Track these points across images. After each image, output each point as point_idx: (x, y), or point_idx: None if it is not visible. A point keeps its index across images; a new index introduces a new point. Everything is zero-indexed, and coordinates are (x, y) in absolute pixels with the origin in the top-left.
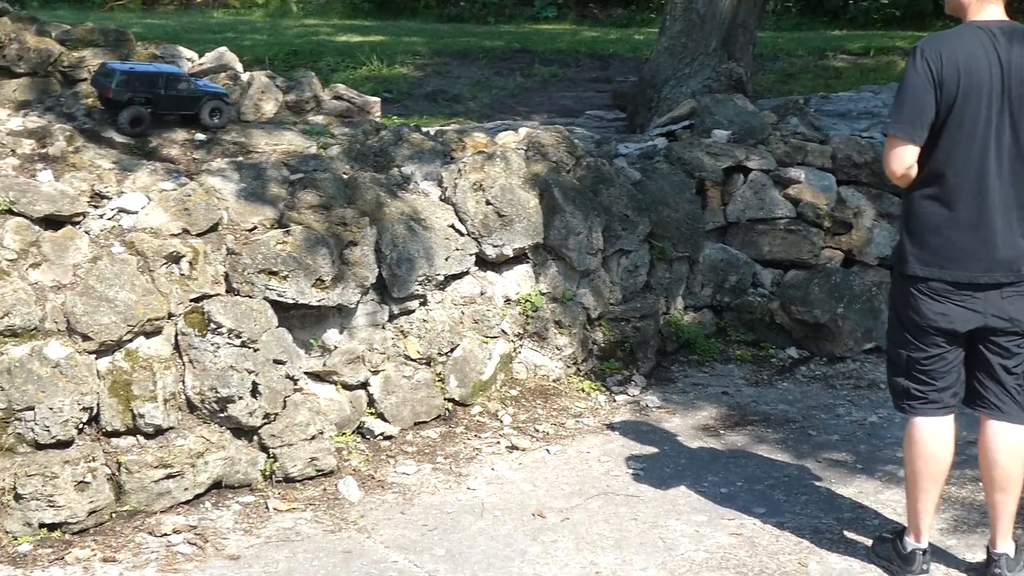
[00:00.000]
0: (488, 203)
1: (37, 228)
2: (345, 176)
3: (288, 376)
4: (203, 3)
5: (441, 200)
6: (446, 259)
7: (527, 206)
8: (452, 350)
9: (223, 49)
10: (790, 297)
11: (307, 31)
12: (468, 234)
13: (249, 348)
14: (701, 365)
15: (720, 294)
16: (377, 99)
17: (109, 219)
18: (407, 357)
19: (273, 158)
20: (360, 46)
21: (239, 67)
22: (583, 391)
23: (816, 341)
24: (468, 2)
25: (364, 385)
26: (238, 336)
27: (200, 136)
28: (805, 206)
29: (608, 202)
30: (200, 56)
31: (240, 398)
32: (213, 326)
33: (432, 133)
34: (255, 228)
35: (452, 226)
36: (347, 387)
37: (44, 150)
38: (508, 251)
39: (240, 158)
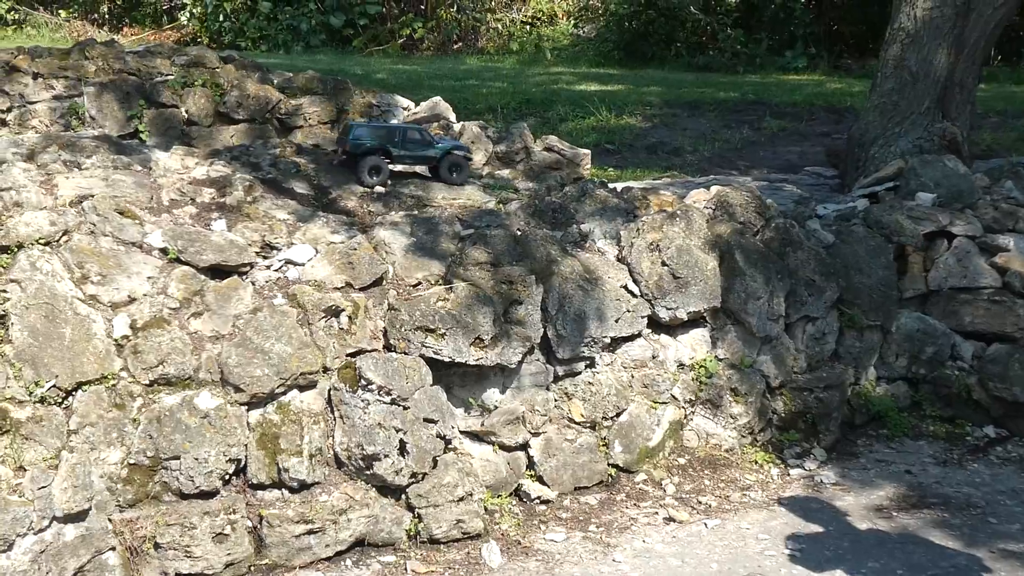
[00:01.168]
0: (664, 264)
1: (203, 277)
2: (518, 232)
3: (439, 435)
4: (459, 50)
5: (617, 260)
6: (616, 320)
7: (704, 268)
8: (618, 414)
9: (437, 99)
10: (990, 372)
11: (549, 79)
12: (641, 295)
13: (399, 405)
14: (890, 440)
15: (915, 366)
16: (587, 152)
17: (275, 270)
18: (571, 420)
19: (448, 212)
20: (594, 95)
21: (452, 116)
22: (756, 463)
23: (1016, 420)
24: (718, 52)
25: (524, 447)
26: (388, 393)
27: (379, 188)
28: (1013, 276)
29: (795, 266)
30: (416, 105)
31: (386, 456)
32: (364, 382)
33: (619, 190)
34: (419, 284)
35: (625, 287)
36: (505, 448)
37: (223, 199)
38: (682, 314)
39: (415, 212)
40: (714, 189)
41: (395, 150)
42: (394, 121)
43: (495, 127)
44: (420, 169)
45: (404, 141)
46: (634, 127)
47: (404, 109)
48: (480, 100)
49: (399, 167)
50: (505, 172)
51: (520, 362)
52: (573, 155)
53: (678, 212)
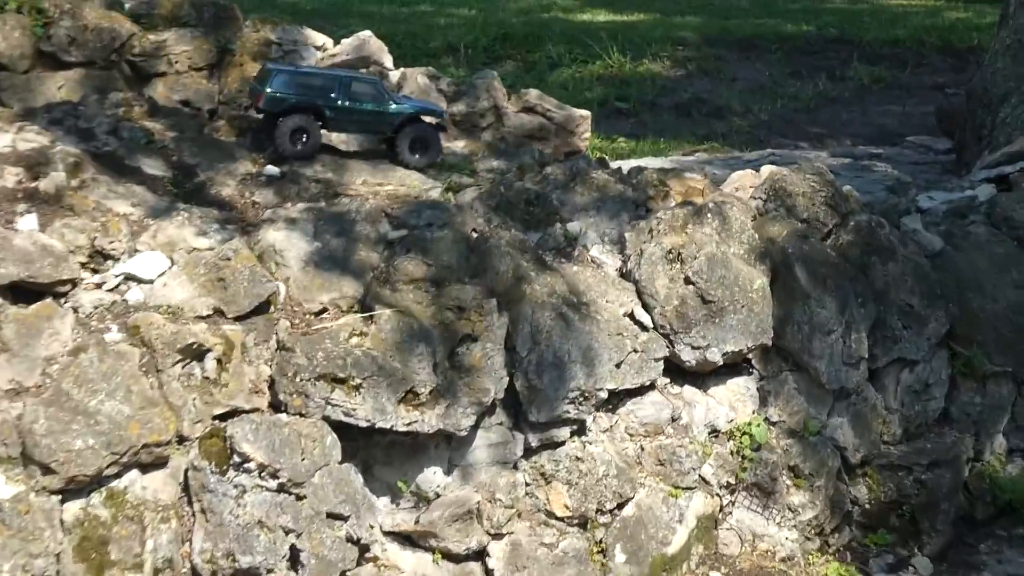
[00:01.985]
0: (688, 281)
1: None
2: (474, 235)
3: (351, 538)
4: None
5: (620, 275)
6: (617, 365)
7: (748, 288)
8: (620, 506)
9: (366, 35)
10: None
11: (537, 3)
12: (655, 327)
13: (290, 494)
14: None
15: None
16: (585, 113)
17: (110, 290)
18: (549, 514)
19: (370, 205)
20: (602, 29)
21: (388, 61)
22: None
23: None
24: None
25: (479, 555)
26: (273, 475)
27: (271, 170)
28: None
29: (883, 284)
30: (336, 44)
31: (270, 571)
32: (238, 458)
33: (626, 172)
34: (324, 311)
35: (630, 315)
36: (451, 557)
37: (35, 184)
38: (716, 355)
39: (322, 204)
40: (766, 170)
41: (331, 110)
42: (340, 70)
43: (453, 76)
44: (363, 142)
45: (347, 96)
46: (659, 77)
47: (318, 49)
48: (434, 36)
49: (335, 135)
50: (461, 144)
51: (474, 427)
52: (565, 118)
53: (711, 205)
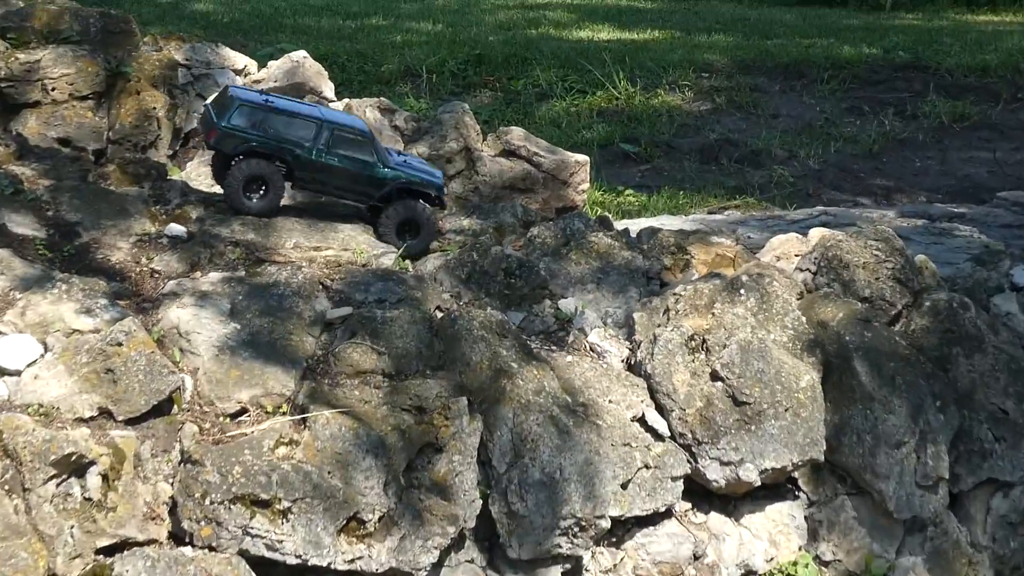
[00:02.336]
0: (716, 376)
1: None
2: (438, 315)
3: None
4: None
5: (627, 367)
6: (624, 485)
7: (794, 385)
8: None
9: (299, 56)
10: None
11: (522, 16)
12: (672, 436)
13: None
14: None
15: None
16: (582, 159)
17: None
18: None
19: (304, 275)
20: (606, 49)
21: (328, 88)
22: None
23: None
24: None
25: None
26: None
27: (175, 229)
28: None
29: (969, 383)
30: (261, 67)
31: None
32: None
33: (637, 234)
34: (243, 412)
35: (641, 419)
36: None
37: None
38: (751, 474)
39: (242, 273)
40: (815, 234)
41: (303, 162)
42: (304, 103)
43: (413, 109)
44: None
45: (327, 146)
46: (677, 111)
47: (238, 73)
48: (388, 57)
49: (302, 194)
50: None
51: (436, 566)
52: (556, 165)
53: (745, 279)
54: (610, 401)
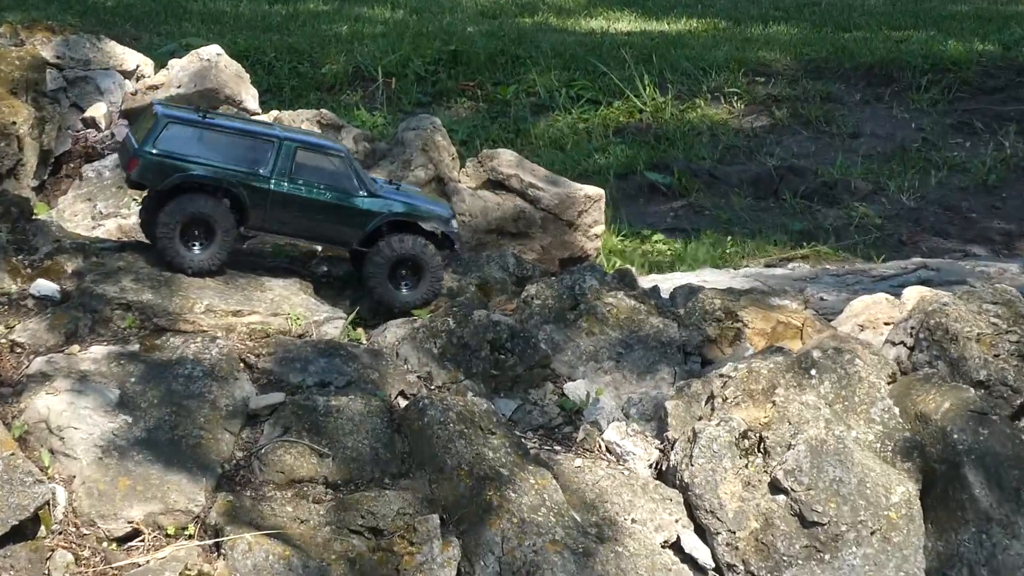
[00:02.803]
0: (777, 487)
1: None
2: (402, 403)
3: None
4: None
5: (655, 474)
6: None
7: (883, 501)
8: None
9: (211, 52)
10: None
11: (511, 1)
12: (719, 569)
13: None
14: None
15: None
16: (595, 192)
17: None
18: None
19: (219, 350)
20: (626, 45)
21: (249, 96)
22: None
23: None
24: None
25: None
26: None
27: (44, 287)
28: None
29: None
30: (160, 68)
31: None
32: None
33: (669, 296)
34: (135, 535)
35: (675, 544)
36: None
37: None
38: None
39: (134, 347)
40: (912, 295)
41: (257, 194)
42: (251, 120)
43: (366, 125)
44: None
45: (287, 172)
46: (723, 129)
47: (128, 76)
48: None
49: (264, 238)
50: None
51: None
52: (560, 201)
53: (817, 355)
54: (633, 520)
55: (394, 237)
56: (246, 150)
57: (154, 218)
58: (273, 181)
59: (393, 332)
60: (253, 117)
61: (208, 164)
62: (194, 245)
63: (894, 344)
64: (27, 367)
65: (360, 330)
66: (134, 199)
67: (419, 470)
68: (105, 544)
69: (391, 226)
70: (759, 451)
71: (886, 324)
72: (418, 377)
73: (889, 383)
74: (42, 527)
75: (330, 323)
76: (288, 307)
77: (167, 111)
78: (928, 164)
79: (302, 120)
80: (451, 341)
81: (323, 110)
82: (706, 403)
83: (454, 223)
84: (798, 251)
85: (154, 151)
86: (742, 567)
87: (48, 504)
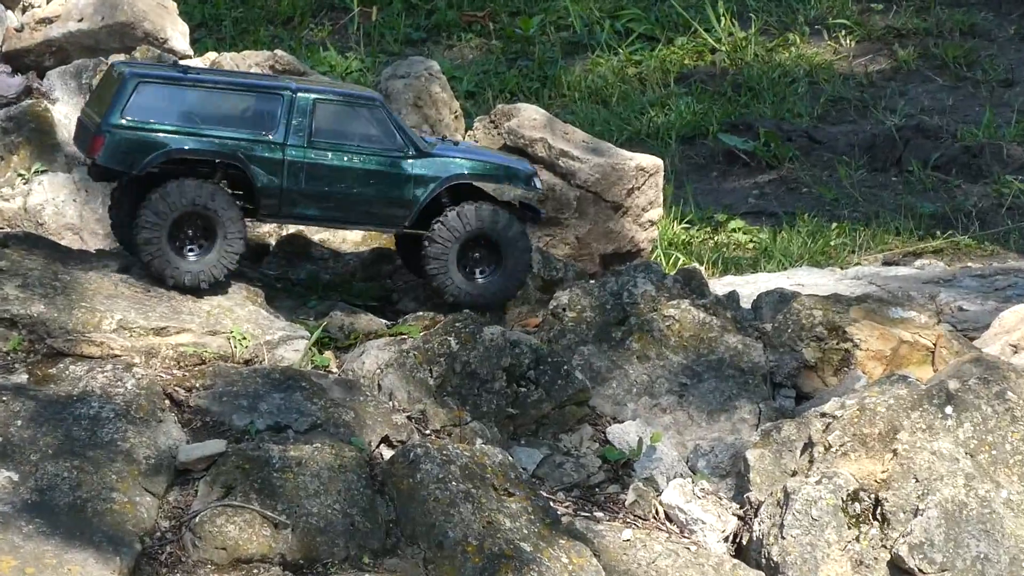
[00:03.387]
0: (901, 571)
1: None
2: (384, 455)
3: None
4: None
5: (733, 550)
6: None
7: None
8: None
9: None
10: None
11: None
12: None
13: None
14: None
15: None
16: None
17: None
18: None
19: (136, 381)
20: None
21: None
22: None
23: None
24: None
25: None
26: None
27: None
28: None
29: None
30: None
31: None
32: None
33: (751, 306)
34: None
35: None
36: None
37: None
38: None
39: (22, 376)
40: None
41: (268, 169)
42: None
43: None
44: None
45: (305, 134)
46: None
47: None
48: None
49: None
50: (356, 237)
51: None
52: (602, 173)
53: (955, 386)
54: None
55: (458, 209)
56: (248, 110)
57: (131, 216)
58: (289, 148)
59: (374, 356)
60: (180, 60)
61: (198, 133)
62: (190, 250)
63: None
64: None
65: (329, 353)
66: (20, 174)
67: (410, 545)
68: None
69: (454, 196)
70: (875, 518)
71: (1011, 344)
72: (408, 418)
73: (1012, 432)
74: None
75: (288, 344)
76: (230, 322)
77: (135, 69)
78: None
79: (250, 64)
80: (453, 368)
81: (278, 51)
82: (802, 453)
83: (537, 182)
84: (929, 243)
85: (124, 122)
86: None
87: None
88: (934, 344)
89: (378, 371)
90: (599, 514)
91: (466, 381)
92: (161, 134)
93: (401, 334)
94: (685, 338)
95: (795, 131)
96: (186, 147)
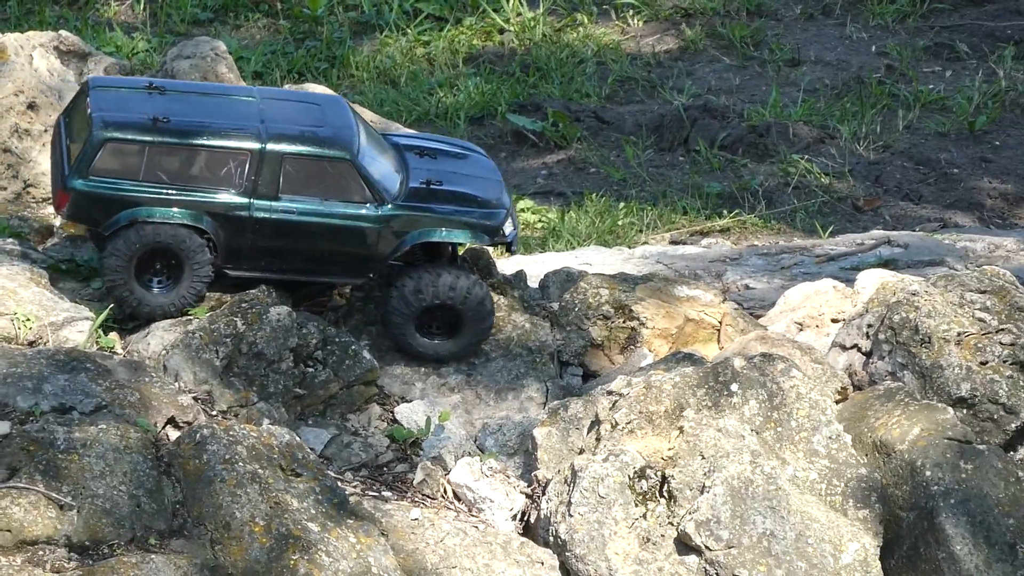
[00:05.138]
0: (687, 546)
1: None
2: (169, 437)
3: None
4: None
5: (521, 528)
6: None
7: (830, 563)
8: None
9: None
10: None
11: None
12: None
13: None
14: None
15: None
16: None
17: None
18: None
19: None
20: None
21: None
22: None
23: None
24: None
25: None
26: None
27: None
28: None
29: None
30: None
31: None
32: None
33: (538, 285)
34: None
35: None
36: None
37: None
38: None
39: None
40: (871, 281)
41: (237, 221)
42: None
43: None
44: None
45: (276, 187)
46: (617, 55)
47: None
48: None
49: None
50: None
51: None
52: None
53: (741, 365)
54: None
55: (416, 278)
56: (214, 164)
57: (100, 245)
58: (251, 206)
59: (160, 338)
60: None
61: (163, 195)
62: (156, 284)
63: (845, 348)
64: None
65: (114, 335)
66: None
67: (197, 527)
68: None
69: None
70: (661, 495)
71: (834, 321)
72: (195, 399)
73: (838, 401)
74: None
75: (72, 325)
76: (13, 304)
77: (107, 117)
78: (894, 101)
79: (34, 46)
80: (240, 349)
81: (63, 32)
82: (589, 431)
83: (507, 229)
84: (716, 222)
85: (88, 184)
86: None
87: None
88: (720, 322)
89: (164, 352)
90: (387, 494)
91: (253, 362)
92: (126, 194)
93: (187, 315)
94: None
95: (583, 111)
96: (148, 211)
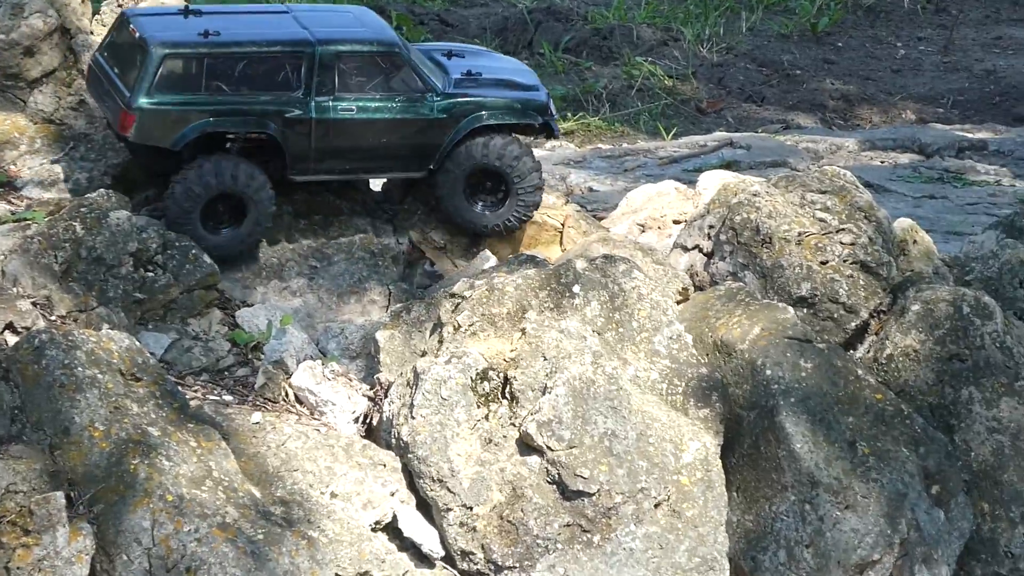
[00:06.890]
0: (529, 447)
1: None
2: (10, 342)
3: None
4: None
5: (363, 431)
6: None
7: (671, 462)
8: None
9: None
10: None
11: None
12: (450, 557)
13: None
14: None
15: None
16: None
17: None
18: None
19: None
20: None
21: None
22: None
23: None
24: None
25: None
26: None
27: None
28: None
29: (992, 453)
30: None
31: None
32: None
33: (383, 188)
34: None
35: (386, 525)
36: None
37: None
38: None
39: None
40: (711, 182)
41: (297, 130)
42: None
43: None
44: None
45: (333, 86)
46: None
47: None
48: None
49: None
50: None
51: None
52: None
53: (583, 266)
54: (334, 495)
55: (470, 143)
56: (271, 69)
57: (167, 173)
58: (313, 105)
59: None
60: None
61: (224, 104)
62: (222, 225)
63: (686, 249)
64: None
65: None
66: None
67: (36, 431)
68: None
69: (474, 131)
70: (504, 397)
71: (676, 222)
72: (33, 304)
73: (679, 302)
74: None
75: None
76: None
77: (159, 36)
78: (737, 3)
79: None
80: (79, 254)
81: None
82: (432, 333)
83: (553, 108)
84: (560, 125)
85: (153, 101)
86: (481, 555)
87: None
88: (562, 224)
89: (2, 258)
90: (228, 398)
91: (92, 266)
92: (191, 108)
93: (25, 220)
94: (315, 220)
95: (427, 15)
96: (207, 123)
